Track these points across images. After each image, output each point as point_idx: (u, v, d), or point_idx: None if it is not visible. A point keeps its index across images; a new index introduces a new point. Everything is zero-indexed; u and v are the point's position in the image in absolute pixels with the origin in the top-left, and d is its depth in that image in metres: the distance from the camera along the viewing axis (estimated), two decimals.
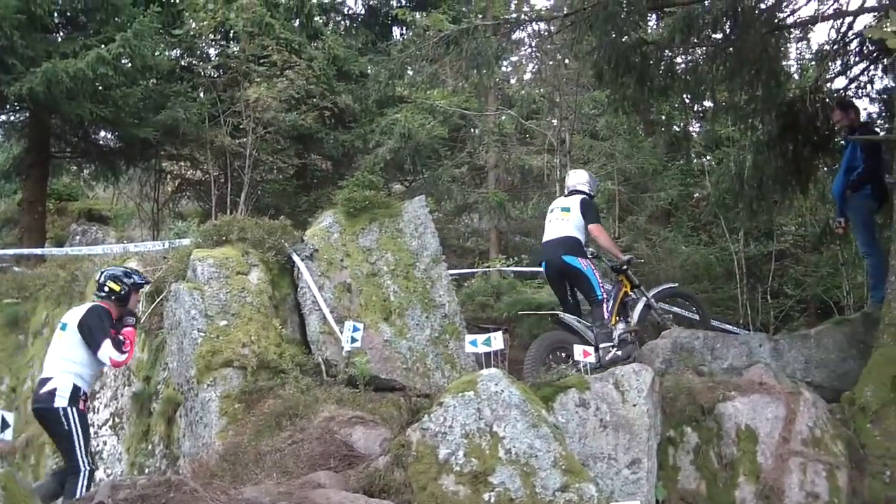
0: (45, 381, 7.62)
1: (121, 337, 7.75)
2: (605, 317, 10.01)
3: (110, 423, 10.38)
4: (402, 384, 8.98)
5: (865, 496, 7.91)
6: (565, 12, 11.76)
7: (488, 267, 17.72)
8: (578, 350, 7.91)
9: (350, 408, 7.88)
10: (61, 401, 7.49)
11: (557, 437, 6.62)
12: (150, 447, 9.68)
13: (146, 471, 9.39)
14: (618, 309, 10.35)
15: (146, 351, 10.28)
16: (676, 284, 12.06)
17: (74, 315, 7.91)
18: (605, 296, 10.12)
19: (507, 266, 17.18)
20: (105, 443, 10.28)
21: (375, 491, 6.28)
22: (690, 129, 22.24)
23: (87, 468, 7.46)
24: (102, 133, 18.37)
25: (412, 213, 10.34)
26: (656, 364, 9.30)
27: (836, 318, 11.19)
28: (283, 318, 9.28)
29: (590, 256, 10.25)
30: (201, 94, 17.50)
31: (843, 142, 11.11)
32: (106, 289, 8.08)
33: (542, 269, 10.90)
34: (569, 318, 10.20)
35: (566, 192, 10.86)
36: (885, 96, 11.92)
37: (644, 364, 7.98)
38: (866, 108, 12.45)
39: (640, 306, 10.58)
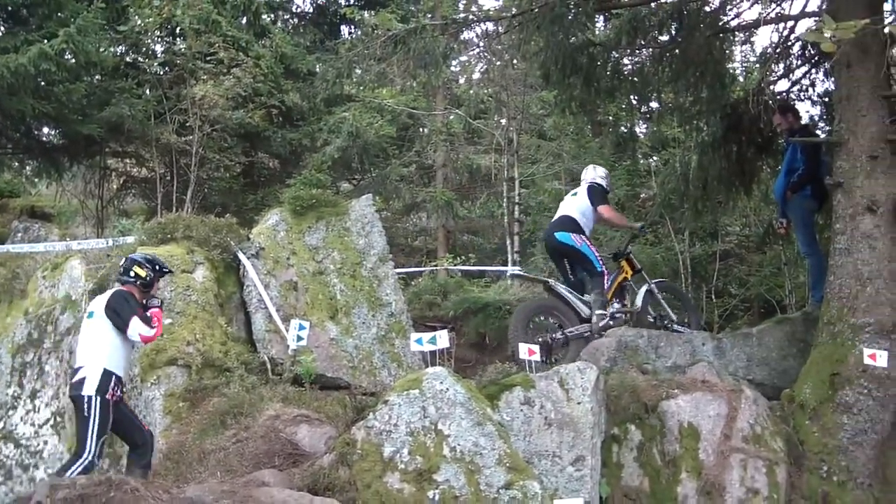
0: (77, 370, 7.61)
1: (148, 314, 7.65)
2: (605, 286, 10.33)
3: (52, 422, 10.23)
4: (348, 382, 8.99)
5: (803, 491, 8.06)
6: (513, 13, 11.80)
7: (436, 266, 17.75)
8: (524, 349, 7.95)
9: (295, 406, 7.87)
10: (89, 389, 7.44)
11: (502, 435, 6.66)
12: None
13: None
14: (614, 291, 10.60)
15: None
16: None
17: (100, 302, 7.85)
18: (604, 269, 10.46)
19: (455, 265, 17.22)
20: (46, 442, 10.14)
21: (320, 489, 6.27)
22: (637, 129, 22.42)
23: (90, 458, 7.24)
24: (45, 129, 18.06)
25: (359, 211, 10.34)
26: (601, 362, 9.36)
27: (777, 317, 11.36)
28: (229, 317, 9.24)
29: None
30: (147, 91, 17.31)
31: (784, 143, 11.26)
32: (132, 274, 7.95)
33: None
34: (560, 287, 10.39)
35: (571, 194, 11.13)
36: (826, 99, 12.08)
37: (589, 362, 8.02)
38: (808, 110, 12.63)
39: (643, 291, 10.82)
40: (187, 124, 16.21)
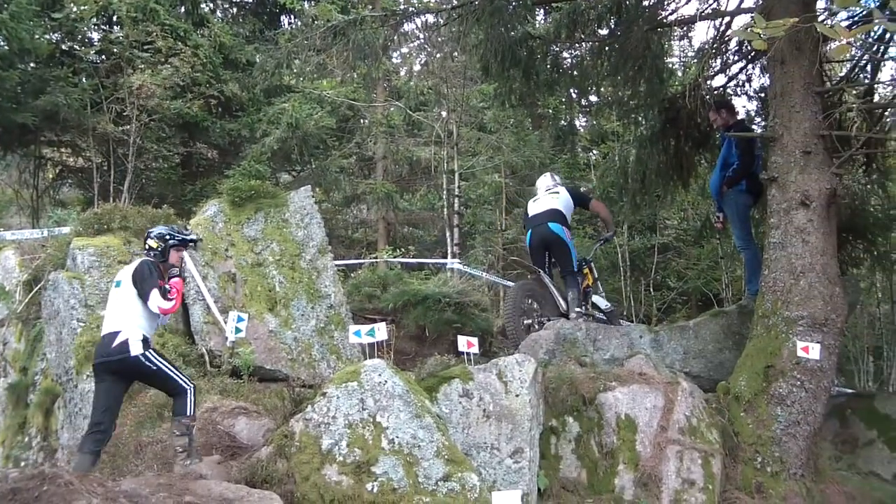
0: (113, 334, 7.71)
1: (167, 286, 7.84)
2: (579, 285, 10.73)
3: None
4: (287, 375, 8.95)
5: (738, 482, 8.19)
6: (453, 4, 11.83)
7: (375, 258, 17.74)
8: (462, 341, 7.97)
9: (233, 398, 7.84)
10: (136, 349, 7.63)
11: (440, 428, 6.68)
12: (26, 440, 9.44)
13: (22, 464, 9.16)
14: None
15: (23, 341, 10.02)
16: None
17: (126, 272, 8.03)
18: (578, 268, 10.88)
19: (395, 257, 17.22)
20: None
21: (258, 481, 6.25)
22: (576, 123, 22.58)
23: (191, 385, 7.66)
24: None
25: (298, 203, 10.30)
26: (539, 355, 9.43)
27: (713, 310, 11.51)
28: None
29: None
30: (83, 80, 17.02)
31: (720, 138, 11.39)
32: (146, 246, 8.27)
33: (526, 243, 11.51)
34: (548, 279, 10.73)
35: (546, 191, 11.33)
36: (762, 94, 12.24)
37: (527, 355, 8.06)
38: (745, 105, 12.83)
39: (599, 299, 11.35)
40: (124, 114, 16.01)
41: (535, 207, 11.18)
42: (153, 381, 7.94)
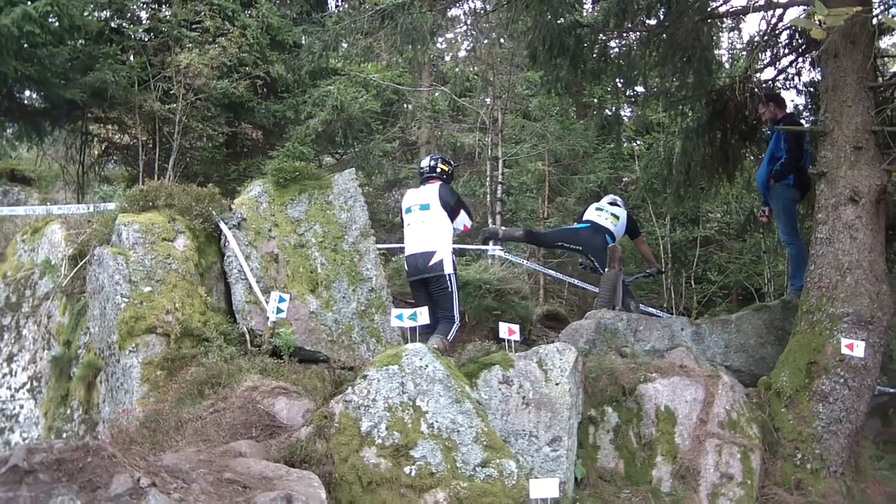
0: (429, 254, 9.24)
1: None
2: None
3: (28, 386, 10.20)
4: (327, 356, 8.96)
5: (777, 478, 8.12)
6: None
7: None
8: (504, 328, 7.96)
9: (273, 378, 7.85)
10: (448, 268, 9.24)
11: (480, 413, 6.67)
12: (68, 412, 9.54)
13: (64, 435, 9.26)
14: None
15: (67, 315, 10.11)
16: None
17: (425, 195, 9.56)
18: None
19: None
20: (22, 406, 10.11)
21: (296, 461, 6.26)
22: (621, 113, 22.47)
23: (457, 322, 9.20)
24: (27, 92, 17.84)
25: (342, 185, 10.30)
26: (580, 344, 9.42)
27: (756, 304, 11.43)
28: (209, 287, 9.19)
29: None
30: (131, 58, 17.09)
31: (768, 131, 11.29)
32: (438, 170, 9.81)
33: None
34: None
35: (609, 204, 12.36)
36: (812, 89, 12.12)
37: (567, 344, 8.03)
38: (793, 99, 12.70)
39: None
40: (171, 92, 16.07)
41: (597, 216, 12.04)
42: (440, 298, 9.27)
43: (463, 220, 9.54)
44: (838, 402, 8.45)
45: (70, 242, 10.45)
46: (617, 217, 12.04)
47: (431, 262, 9.22)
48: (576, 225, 12.20)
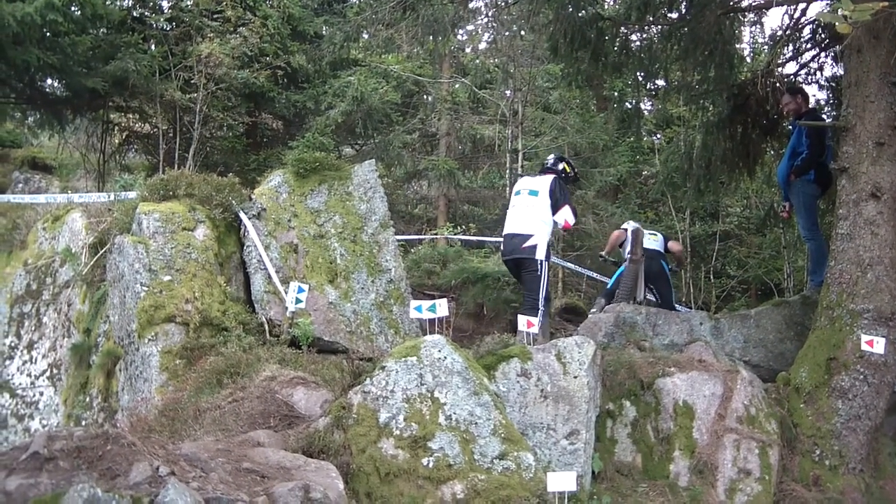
0: (526, 236, 9.62)
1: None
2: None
3: (48, 373, 10.26)
4: (345, 347, 8.98)
5: (795, 474, 8.09)
6: None
7: (436, 234, 17.74)
8: (522, 320, 7.97)
9: (292, 368, 7.86)
10: (540, 254, 9.54)
11: (498, 406, 6.68)
12: (87, 399, 9.59)
13: (83, 423, 9.30)
14: None
15: (87, 303, 10.16)
16: None
17: (537, 183, 9.93)
18: None
19: (455, 234, 17.21)
20: (42, 394, 10.17)
21: (314, 452, 6.28)
22: (642, 106, 22.39)
23: (543, 309, 9.47)
24: (49, 81, 17.92)
25: (362, 176, 10.31)
26: (599, 337, 9.42)
27: (775, 299, 11.41)
28: (228, 276, 9.21)
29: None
30: (152, 47, 17.18)
31: (790, 126, 11.23)
32: (560, 167, 10.32)
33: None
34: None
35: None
36: (834, 84, 12.06)
37: (586, 337, 8.03)
38: (815, 94, 12.61)
39: None
40: (192, 82, 16.14)
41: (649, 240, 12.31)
42: (528, 280, 9.64)
43: (565, 214, 9.75)
44: (858, 399, 8.41)
45: (90, 231, 10.49)
46: (656, 235, 12.62)
47: (525, 245, 9.59)
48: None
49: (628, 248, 11.58)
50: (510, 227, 9.91)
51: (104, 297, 9.75)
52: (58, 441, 4.56)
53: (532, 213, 9.75)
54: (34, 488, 4.25)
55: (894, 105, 8.97)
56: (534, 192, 9.87)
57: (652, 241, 12.35)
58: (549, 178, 10.01)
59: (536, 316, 8.97)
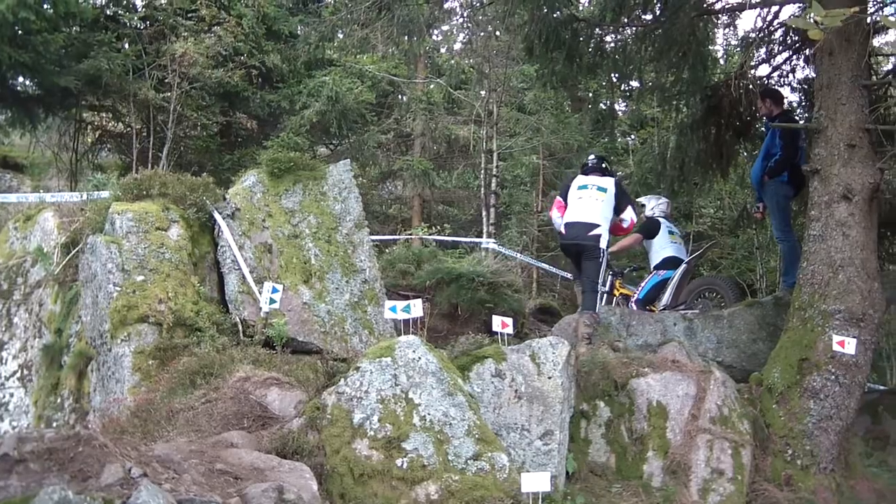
0: (593, 225, 10.30)
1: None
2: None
3: (18, 374, 10.18)
4: (320, 347, 8.94)
5: (767, 473, 8.15)
6: None
7: (410, 235, 17.71)
8: (497, 321, 7.98)
9: (266, 369, 7.83)
10: (603, 244, 10.28)
11: (472, 406, 6.69)
12: (59, 401, 9.52)
13: (54, 424, 9.23)
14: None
15: (59, 303, 10.08)
16: None
17: (606, 182, 10.63)
18: None
19: (430, 234, 17.19)
20: (12, 395, 10.09)
21: (288, 453, 6.27)
22: (616, 107, 22.49)
23: (603, 290, 10.70)
24: (21, 79, 17.76)
25: (337, 176, 10.27)
26: (573, 338, 9.42)
27: (748, 300, 11.44)
28: (202, 276, 9.15)
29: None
30: (126, 46, 17.06)
31: (763, 128, 11.31)
32: (604, 165, 11.09)
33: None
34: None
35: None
36: (806, 86, 12.14)
37: (560, 338, 8.04)
38: (788, 96, 12.69)
39: None
40: (166, 81, 16.06)
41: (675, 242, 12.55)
42: (590, 266, 10.29)
43: (630, 213, 10.74)
44: (829, 399, 8.47)
45: (63, 230, 10.42)
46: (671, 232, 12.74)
47: (591, 233, 10.25)
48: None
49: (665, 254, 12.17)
50: (578, 216, 10.49)
51: (76, 298, 9.68)
52: (28, 443, 4.53)
53: (601, 208, 10.43)
54: (3, 491, 4.22)
55: (865, 107, 9.05)
56: (602, 189, 10.57)
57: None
58: (613, 180, 10.78)
59: (596, 306, 10.11)
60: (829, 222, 8.91)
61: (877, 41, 8.32)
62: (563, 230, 10.70)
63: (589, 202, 10.52)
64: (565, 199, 10.81)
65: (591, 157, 11.32)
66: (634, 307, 11.47)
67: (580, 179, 10.87)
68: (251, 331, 8.70)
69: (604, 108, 20.06)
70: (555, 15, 11.13)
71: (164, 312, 8.46)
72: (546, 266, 17.36)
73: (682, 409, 8.00)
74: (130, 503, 4.26)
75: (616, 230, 10.90)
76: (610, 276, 11.74)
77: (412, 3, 11.63)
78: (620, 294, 12.08)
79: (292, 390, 7.41)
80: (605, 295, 11.50)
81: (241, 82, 17.26)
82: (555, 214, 10.97)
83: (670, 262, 11.93)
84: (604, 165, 11.05)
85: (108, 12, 17.52)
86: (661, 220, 12.32)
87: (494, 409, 7.27)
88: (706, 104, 11.91)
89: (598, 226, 10.27)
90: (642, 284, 12.02)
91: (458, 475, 6.23)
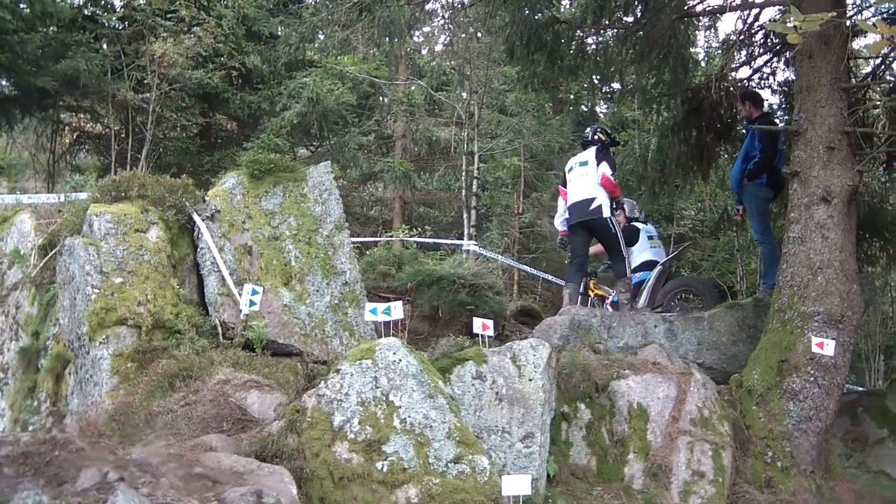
0: (589, 200, 10.78)
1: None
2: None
3: None
4: (300, 350, 8.90)
5: (748, 475, 8.18)
6: None
7: (391, 236, 17.71)
8: (478, 323, 7.95)
9: (246, 371, 7.78)
10: (606, 212, 10.71)
11: (453, 409, 6.66)
12: (35, 404, 9.44)
13: (30, 428, 9.16)
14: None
15: (36, 305, 10.01)
16: None
17: (586, 154, 11.16)
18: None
19: (410, 236, 17.19)
20: None
21: (268, 456, 6.23)
22: (597, 109, 22.54)
23: (628, 256, 11.11)
24: None
25: (317, 178, 10.24)
26: (554, 340, 9.44)
27: (728, 302, 11.47)
28: (181, 279, 9.10)
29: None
30: (104, 46, 16.99)
31: (743, 130, 11.34)
32: (595, 137, 11.35)
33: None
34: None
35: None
36: (786, 88, 12.18)
37: (541, 340, 8.03)
38: (768, 99, 12.73)
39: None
40: (145, 82, 16.00)
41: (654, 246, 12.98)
42: (607, 239, 10.98)
43: (603, 168, 10.88)
44: (808, 401, 8.51)
45: (40, 232, 10.34)
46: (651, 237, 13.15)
47: (592, 207, 10.75)
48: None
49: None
50: (574, 196, 11.06)
51: (54, 300, 9.60)
52: (3, 447, 4.49)
53: (588, 180, 10.91)
54: None
55: (844, 110, 9.09)
56: (584, 163, 11.09)
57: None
58: (594, 148, 11.20)
59: (627, 271, 11.09)
60: (809, 224, 8.94)
61: (856, 44, 8.37)
62: (568, 214, 11.27)
63: (578, 180, 11.07)
64: (566, 186, 11.32)
65: (587, 129, 11.92)
66: (610, 309, 11.48)
67: (568, 163, 11.58)
68: (231, 333, 8.65)
69: (585, 110, 20.10)
70: (536, 17, 11.16)
71: (142, 315, 8.39)
72: (527, 268, 17.37)
73: (663, 411, 8.01)
74: None
75: (607, 189, 11.05)
76: (584, 278, 11.77)
77: (393, 4, 11.59)
78: (596, 295, 12.11)
79: (272, 393, 7.37)
80: (580, 296, 11.55)
81: (221, 83, 17.20)
82: (560, 206, 11.49)
83: (647, 265, 12.01)
84: (593, 137, 11.45)
85: (85, 12, 17.43)
86: (639, 225, 12.40)
87: (475, 411, 7.25)
88: (687, 106, 11.95)
89: (593, 198, 10.77)
90: None
91: (438, 478, 6.20)
